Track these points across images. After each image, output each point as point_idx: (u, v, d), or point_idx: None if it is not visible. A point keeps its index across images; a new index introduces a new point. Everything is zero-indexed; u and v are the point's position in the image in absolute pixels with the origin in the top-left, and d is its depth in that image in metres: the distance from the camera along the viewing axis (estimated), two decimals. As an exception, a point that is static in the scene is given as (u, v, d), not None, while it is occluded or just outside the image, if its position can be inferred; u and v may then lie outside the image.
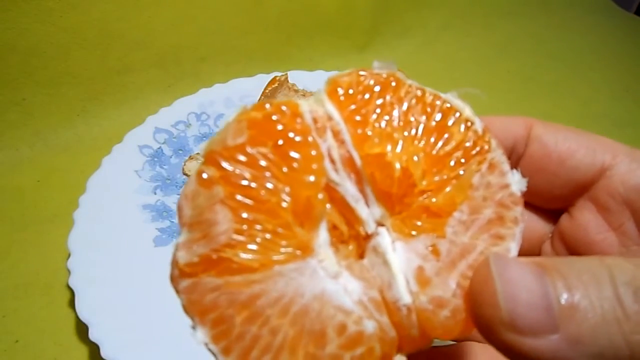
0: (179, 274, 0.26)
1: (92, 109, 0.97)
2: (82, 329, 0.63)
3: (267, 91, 0.87)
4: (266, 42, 1.15)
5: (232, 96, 0.97)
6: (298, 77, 0.95)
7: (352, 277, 0.28)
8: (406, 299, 0.27)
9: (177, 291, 0.26)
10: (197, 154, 0.86)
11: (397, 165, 0.29)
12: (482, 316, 0.24)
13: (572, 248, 0.35)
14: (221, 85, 0.99)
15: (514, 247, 0.28)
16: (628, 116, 1.12)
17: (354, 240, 0.30)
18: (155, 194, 0.79)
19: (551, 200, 0.36)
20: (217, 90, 0.98)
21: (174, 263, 0.26)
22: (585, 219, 0.34)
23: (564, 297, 0.22)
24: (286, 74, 0.92)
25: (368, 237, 0.30)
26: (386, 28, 1.27)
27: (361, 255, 0.30)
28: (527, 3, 1.46)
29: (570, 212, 0.35)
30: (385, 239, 0.29)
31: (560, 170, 0.34)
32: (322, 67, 1.06)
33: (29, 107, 0.92)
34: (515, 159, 0.36)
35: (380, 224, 0.30)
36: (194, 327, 0.26)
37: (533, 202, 0.37)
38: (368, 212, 0.30)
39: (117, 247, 0.70)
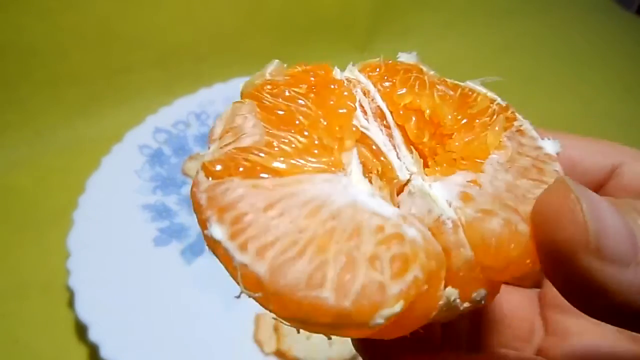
0: (204, 174, 0.24)
1: (92, 109, 0.97)
2: (81, 329, 0.63)
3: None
4: (266, 42, 1.15)
5: (232, 96, 0.96)
6: (298, 77, 0.95)
7: (388, 204, 0.26)
8: (449, 212, 0.25)
9: (197, 192, 0.24)
10: (197, 153, 0.86)
11: (427, 109, 0.29)
12: (560, 239, 0.21)
13: None
14: (221, 85, 0.99)
15: None
16: (629, 115, 1.12)
17: (387, 186, 0.28)
18: (155, 194, 0.79)
19: None
20: (217, 90, 0.98)
21: (199, 168, 0.25)
22: None
23: None
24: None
25: (401, 186, 0.28)
26: (386, 28, 1.27)
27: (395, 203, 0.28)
28: (527, 3, 1.46)
29: None
30: (421, 181, 0.27)
31: (571, 174, 0.32)
32: (322, 67, 1.06)
33: (28, 107, 0.92)
34: None
35: (413, 173, 0.29)
36: (209, 224, 0.23)
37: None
38: (400, 163, 0.29)
39: (117, 247, 0.70)
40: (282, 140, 0.26)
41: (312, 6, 1.18)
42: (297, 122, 0.27)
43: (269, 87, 0.28)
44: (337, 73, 0.31)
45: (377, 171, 0.28)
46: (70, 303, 0.63)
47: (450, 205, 0.25)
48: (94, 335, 0.59)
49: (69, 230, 0.69)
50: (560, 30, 1.39)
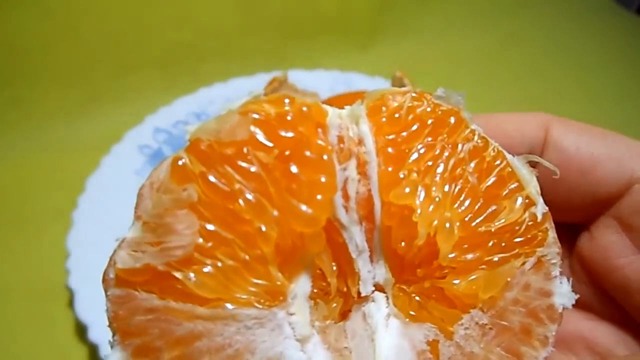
0: (113, 278, 0.21)
1: (92, 108, 0.97)
2: (81, 329, 0.62)
3: (267, 91, 0.87)
4: (266, 41, 1.15)
5: (232, 96, 0.96)
6: (298, 77, 0.95)
7: (323, 346, 0.23)
8: None
9: (106, 296, 0.22)
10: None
11: (423, 234, 0.23)
12: None
13: (593, 272, 0.30)
14: (221, 84, 0.99)
15: None
16: (629, 116, 1.12)
17: (341, 298, 0.24)
18: (154, 194, 0.79)
19: (568, 214, 0.30)
20: (217, 90, 0.97)
21: (112, 262, 0.22)
22: (608, 240, 0.29)
23: None
24: (286, 73, 0.91)
25: (360, 299, 0.24)
26: (386, 28, 1.27)
27: (345, 315, 0.24)
28: (527, 3, 1.46)
29: (590, 229, 0.30)
30: (380, 309, 0.24)
31: (581, 182, 0.29)
32: (322, 67, 1.06)
33: (28, 107, 0.92)
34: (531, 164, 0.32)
35: (380, 288, 0.25)
36: (111, 345, 0.21)
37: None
38: (370, 269, 0.24)
39: (117, 247, 0.70)
40: (217, 246, 0.21)
41: (313, 6, 1.18)
42: (245, 214, 0.21)
43: (225, 144, 0.22)
44: (331, 121, 0.24)
45: (330, 286, 0.24)
46: (70, 303, 0.63)
47: None
48: (94, 335, 0.59)
49: (68, 230, 0.69)
50: (560, 30, 1.39)
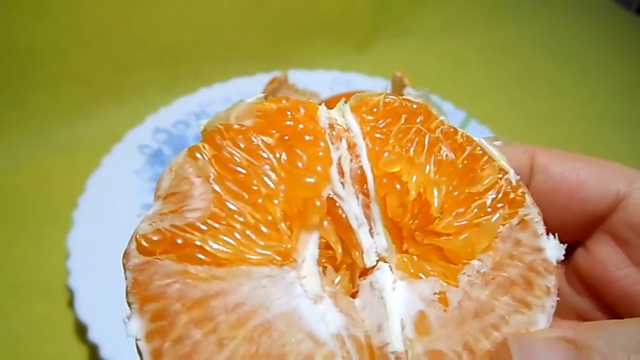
0: (135, 247, 0.23)
1: (92, 108, 0.97)
2: (81, 330, 0.62)
3: (267, 91, 0.87)
4: (266, 41, 1.15)
5: (232, 96, 0.97)
6: (298, 77, 0.95)
7: (335, 308, 0.24)
8: (398, 345, 0.23)
9: (125, 269, 0.23)
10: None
11: (414, 190, 0.25)
12: None
13: (590, 285, 0.31)
14: (221, 84, 0.99)
15: (542, 320, 0.24)
16: (629, 115, 1.12)
17: (348, 270, 0.26)
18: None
19: (564, 234, 0.31)
20: (217, 90, 0.98)
21: (133, 236, 0.23)
22: (603, 254, 0.30)
23: None
24: (286, 73, 0.92)
25: (365, 272, 0.26)
26: (386, 28, 1.27)
27: (353, 296, 0.26)
28: (527, 3, 1.46)
29: (586, 245, 0.32)
30: (385, 275, 0.25)
31: (571, 203, 0.30)
32: (322, 67, 1.06)
33: (28, 107, 0.92)
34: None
35: (382, 259, 0.26)
36: (128, 317, 0.22)
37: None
38: (371, 242, 0.26)
39: (117, 247, 0.69)
40: (230, 214, 0.23)
41: (312, 6, 1.18)
42: (254, 186, 0.24)
43: (234, 130, 0.25)
44: (322, 114, 0.27)
45: (336, 258, 0.26)
46: (70, 303, 0.63)
47: (403, 330, 0.23)
48: (94, 335, 0.59)
49: (68, 230, 0.69)
50: (560, 30, 1.39)
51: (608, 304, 0.31)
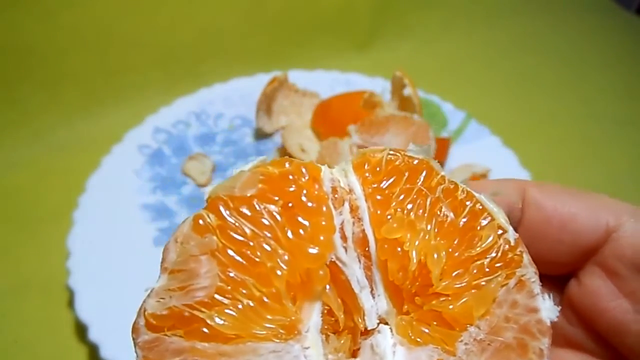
0: (144, 324, 0.24)
1: (92, 108, 0.97)
2: (81, 330, 0.62)
3: (267, 91, 0.87)
4: (266, 41, 1.15)
5: (232, 96, 0.97)
6: (298, 77, 0.95)
7: None
8: None
9: (135, 344, 0.24)
10: (197, 153, 0.85)
11: (415, 259, 0.26)
12: None
13: (583, 315, 0.33)
14: (221, 84, 0.99)
15: None
16: (628, 115, 1.12)
17: (349, 333, 0.27)
18: (154, 194, 0.79)
19: (557, 267, 0.34)
20: (217, 90, 0.97)
21: (141, 311, 0.24)
22: (595, 285, 0.32)
23: None
24: (286, 73, 0.92)
25: (367, 332, 0.27)
26: (386, 28, 1.27)
27: (354, 354, 0.27)
28: (527, 3, 1.46)
29: (578, 277, 0.33)
30: (386, 339, 0.26)
31: (563, 236, 0.31)
32: (322, 67, 1.06)
33: (28, 107, 0.92)
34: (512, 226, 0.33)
35: (383, 321, 0.27)
36: None
37: (538, 269, 0.34)
38: (372, 304, 0.27)
39: (117, 247, 0.70)
40: (236, 287, 0.24)
41: (312, 6, 1.18)
42: (257, 258, 0.25)
43: (238, 198, 0.26)
44: (325, 176, 0.28)
45: (338, 326, 0.27)
46: (70, 303, 0.63)
47: None
48: (94, 335, 0.59)
49: (68, 230, 0.69)
50: (560, 30, 1.39)
51: (600, 333, 0.32)
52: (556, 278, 0.34)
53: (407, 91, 0.82)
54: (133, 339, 0.24)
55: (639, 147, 1.02)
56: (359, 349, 0.27)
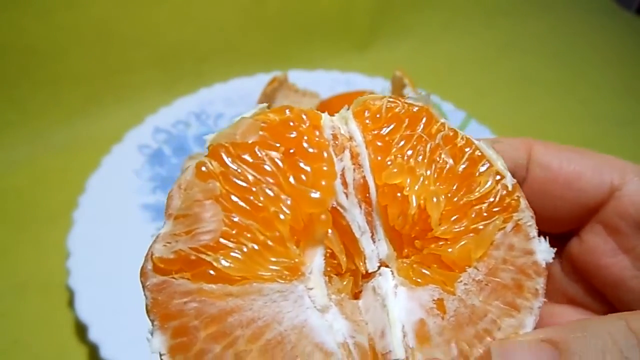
0: (151, 268, 0.24)
1: (92, 109, 0.97)
2: (81, 329, 0.62)
3: (267, 91, 0.87)
4: (266, 41, 1.15)
5: (232, 96, 0.97)
6: (298, 77, 0.95)
7: (341, 316, 0.26)
8: (400, 354, 0.24)
9: (144, 287, 0.24)
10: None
11: (414, 203, 0.26)
12: None
13: (583, 272, 0.33)
14: (221, 84, 0.99)
15: (530, 322, 0.25)
16: (628, 115, 1.12)
17: (352, 275, 0.28)
18: (154, 193, 0.79)
19: (559, 224, 0.34)
20: (217, 90, 0.98)
21: (149, 255, 0.25)
22: (596, 242, 0.32)
23: None
24: (286, 73, 0.92)
25: (368, 275, 0.28)
26: (386, 28, 1.27)
27: (356, 296, 0.27)
28: (527, 3, 1.46)
29: (579, 235, 0.34)
30: (387, 281, 0.27)
31: (567, 194, 0.32)
32: (322, 67, 1.06)
33: (28, 107, 0.92)
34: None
35: (384, 264, 0.28)
36: (151, 332, 0.24)
37: (540, 227, 0.34)
38: (373, 248, 0.28)
39: (117, 247, 0.70)
40: (240, 232, 0.24)
41: (312, 6, 1.18)
42: (261, 203, 0.25)
43: (240, 145, 0.26)
44: (325, 123, 0.28)
45: (341, 266, 0.27)
46: (70, 303, 0.63)
47: (404, 337, 0.25)
48: (94, 335, 0.59)
49: (68, 230, 0.69)
50: (560, 30, 1.39)
51: (598, 290, 0.33)
52: (558, 236, 0.34)
53: (407, 91, 0.82)
54: (142, 282, 0.24)
55: (639, 147, 1.02)
56: (361, 291, 0.27)
